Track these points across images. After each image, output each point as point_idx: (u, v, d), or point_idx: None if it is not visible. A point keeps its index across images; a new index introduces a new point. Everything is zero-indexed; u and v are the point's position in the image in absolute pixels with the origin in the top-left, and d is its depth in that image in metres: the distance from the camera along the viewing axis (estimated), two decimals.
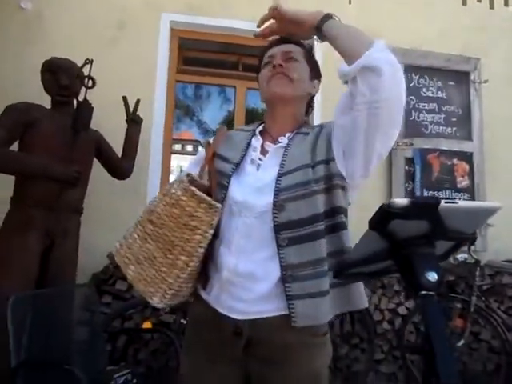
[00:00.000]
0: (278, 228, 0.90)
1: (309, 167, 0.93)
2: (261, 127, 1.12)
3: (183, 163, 5.83)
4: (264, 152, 1.04)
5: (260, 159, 1.02)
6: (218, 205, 0.91)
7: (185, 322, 2.32)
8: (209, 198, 0.90)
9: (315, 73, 1.13)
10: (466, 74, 3.46)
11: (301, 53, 1.11)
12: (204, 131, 6.01)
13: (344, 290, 0.90)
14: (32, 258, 1.84)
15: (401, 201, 0.53)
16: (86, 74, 2.01)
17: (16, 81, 2.62)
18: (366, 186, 3.41)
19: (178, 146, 8.79)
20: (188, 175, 0.97)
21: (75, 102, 2.03)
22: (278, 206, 0.91)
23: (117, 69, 2.82)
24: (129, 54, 2.92)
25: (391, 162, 3.24)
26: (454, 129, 3.39)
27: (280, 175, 0.94)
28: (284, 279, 0.88)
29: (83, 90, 2.01)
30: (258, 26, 1.06)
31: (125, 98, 2.39)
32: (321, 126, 1.05)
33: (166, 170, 3.05)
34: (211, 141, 1.10)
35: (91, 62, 1.94)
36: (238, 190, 0.97)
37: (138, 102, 2.43)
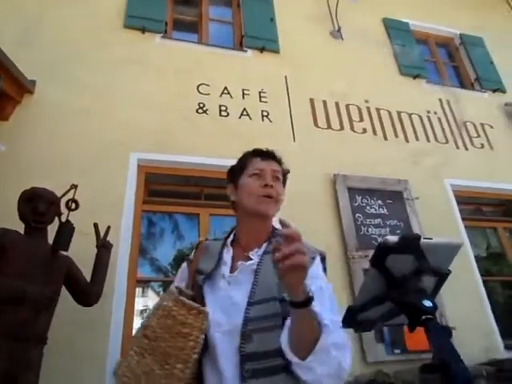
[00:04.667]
0: (244, 358, 0.93)
1: (276, 300, 0.97)
2: (232, 236, 1.17)
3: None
4: (235, 267, 1.08)
5: (230, 275, 1.06)
6: (207, 310, 0.98)
7: None
8: (197, 305, 0.98)
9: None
10: (399, 193, 4.01)
11: (281, 172, 1.19)
12: (156, 269, 5.58)
13: None
14: None
15: (393, 237, 0.68)
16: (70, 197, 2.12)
17: None
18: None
19: None
20: (176, 287, 1.04)
21: (57, 222, 2.09)
22: (245, 337, 0.94)
23: (87, 198, 2.95)
24: (99, 185, 3.10)
25: (351, 273, 3.41)
26: None
27: (250, 303, 0.98)
28: None
29: (66, 211, 2.10)
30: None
31: (96, 225, 2.46)
32: None
33: (130, 299, 2.96)
34: (192, 257, 1.15)
35: (76, 186, 2.09)
36: (211, 304, 1.02)
37: (108, 228, 2.51)
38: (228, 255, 1.11)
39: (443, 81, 5.55)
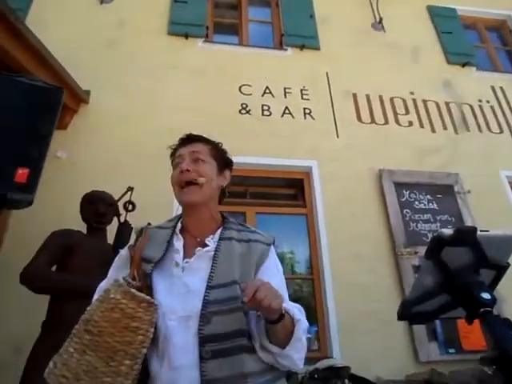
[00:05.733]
0: (203, 340, 0.91)
1: (236, 284, 0.98)
2: (180, 224, 1.14)
3: None
4: (189, 254, 1.05)
5: (186, 261, 1.04)
6: (157, 302, 0.94)
7: None
8: (148, 297, 0.93)
9: (224, 165, 1.19)
10: (450, 186, 3.86)
11: (207, 151, 1.16)
12: None
13: None
14: None
15: (448, 230, 0.68)
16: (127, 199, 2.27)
17: (56, 216, 2.85)
18: (378, 296, 3.36)
19: None
20: (124, 278, 0.97)
21: (117, 223, 2.24)
22: (204, 319, 0.93)
23: (140, 200, 3.11)
24: (150, 189, 3.25)
25: (400, 271, 3.34)
26: None
27: (209, 287, 0.97)
28: None
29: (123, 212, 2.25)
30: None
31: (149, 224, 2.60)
32: (249, 241, 1.10)
33: None
34: (137, 244, 1.08)
35: (132, 189, 2.23)
36: (163, 293, 0.98)
37: None
38: (179, 243, 1.08)
39: (495, 67, 5.25)
